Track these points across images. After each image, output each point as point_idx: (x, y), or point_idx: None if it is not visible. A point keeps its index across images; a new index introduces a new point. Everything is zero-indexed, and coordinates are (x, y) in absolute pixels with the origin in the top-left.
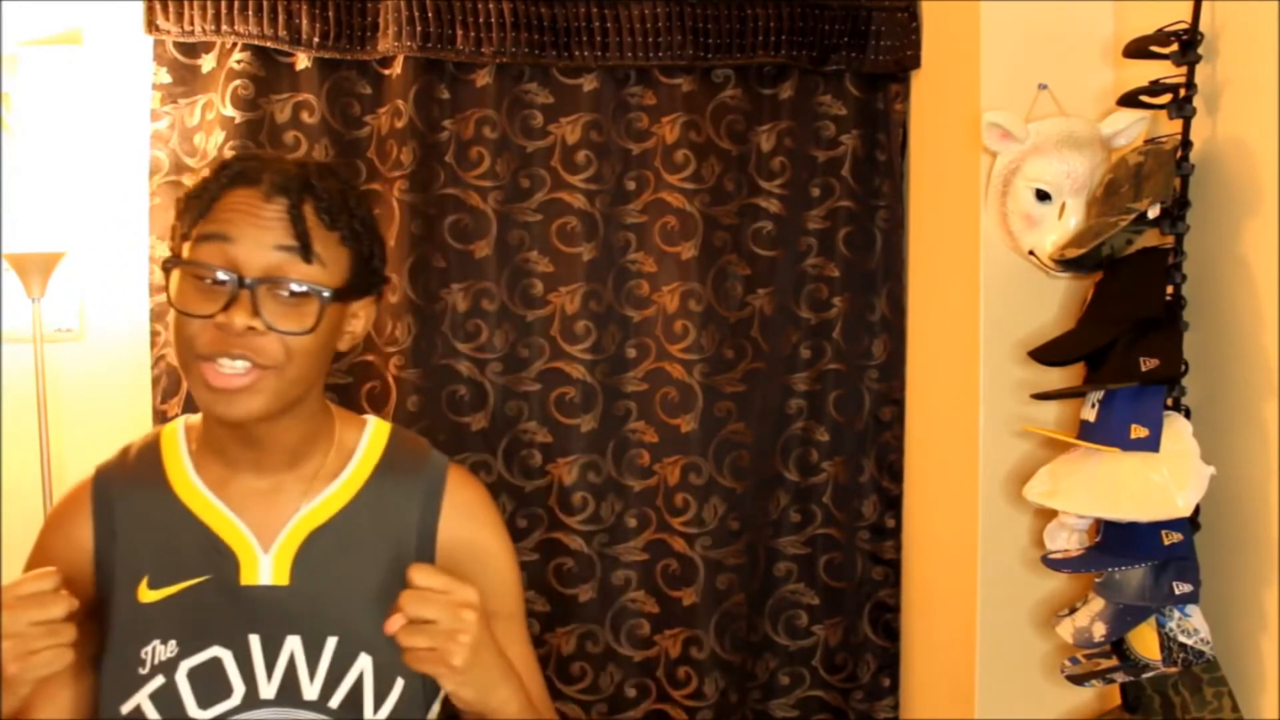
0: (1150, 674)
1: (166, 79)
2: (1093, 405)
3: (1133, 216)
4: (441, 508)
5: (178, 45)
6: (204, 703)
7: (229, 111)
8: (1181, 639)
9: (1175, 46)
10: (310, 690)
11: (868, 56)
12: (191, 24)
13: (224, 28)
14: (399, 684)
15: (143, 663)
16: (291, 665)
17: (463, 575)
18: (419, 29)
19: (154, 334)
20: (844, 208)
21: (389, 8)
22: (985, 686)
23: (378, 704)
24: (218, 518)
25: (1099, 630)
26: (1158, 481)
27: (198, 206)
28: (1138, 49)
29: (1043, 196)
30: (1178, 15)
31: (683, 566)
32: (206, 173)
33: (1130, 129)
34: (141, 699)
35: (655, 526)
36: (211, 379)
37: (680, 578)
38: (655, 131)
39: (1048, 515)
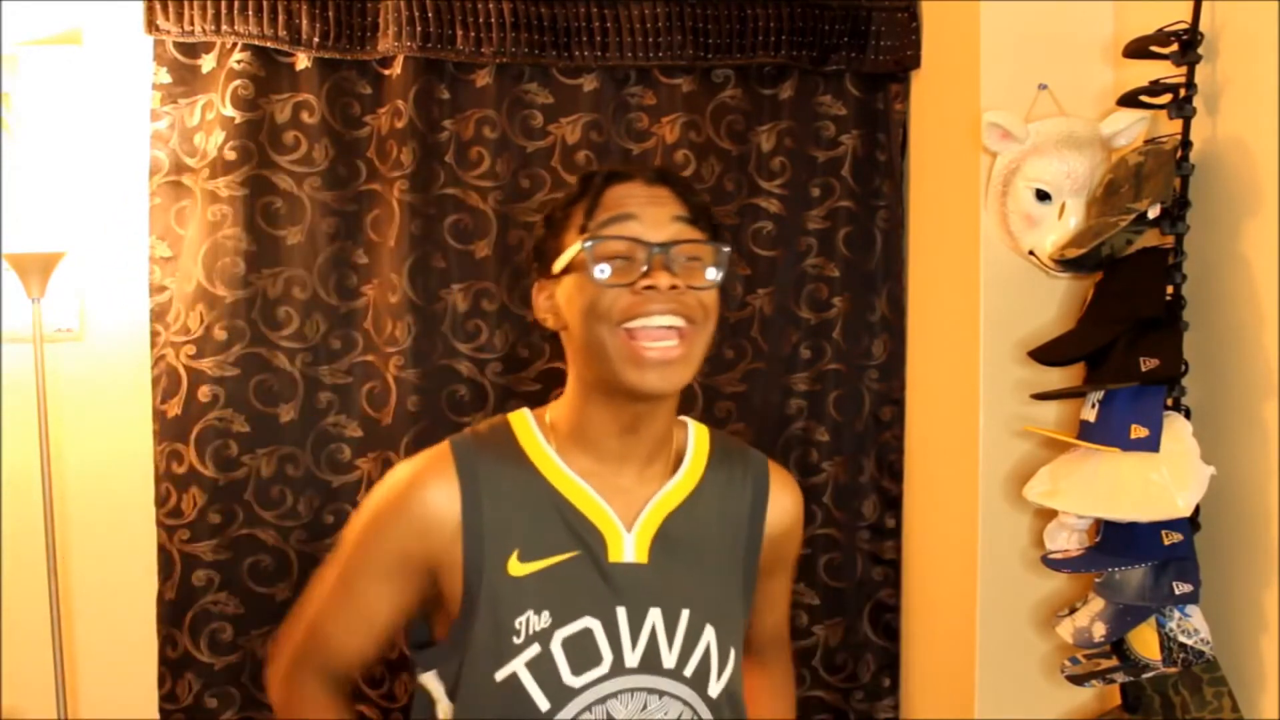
0: (1150, 674)
1: (166, 79)
2: (1093, 405)
3: (1133, 216)
4: (769, 501)
5: (178, 45)
6: (576, 670)
7: (229, 111)
8: (1181, 639)
9: (1175, 46)
10: (669, 659)
11: (868, 56)
12: (191, 24)
13: (224, 28)
14: (732, 655)
15: (517, 632)
16: (653, 636)
17: (779, 550)
18: (419, 29)
19: (154, 334)
20: (844, 208)
21: (389, 8)
22: (985, 686)
23: (719, 673)
24: (585, 499)
25: (1099, 630)
26: (1158, 481)
27: (583, 207)
28: (1138, 49)
29: (1043, 196)
30: (1178, 15)
31: None
32: (572, 187)
33: (1130, 129)
34: (517, 666)
35: None
36: (644, 351)
37: None
38: (655, 131)
39: (1048, 515)
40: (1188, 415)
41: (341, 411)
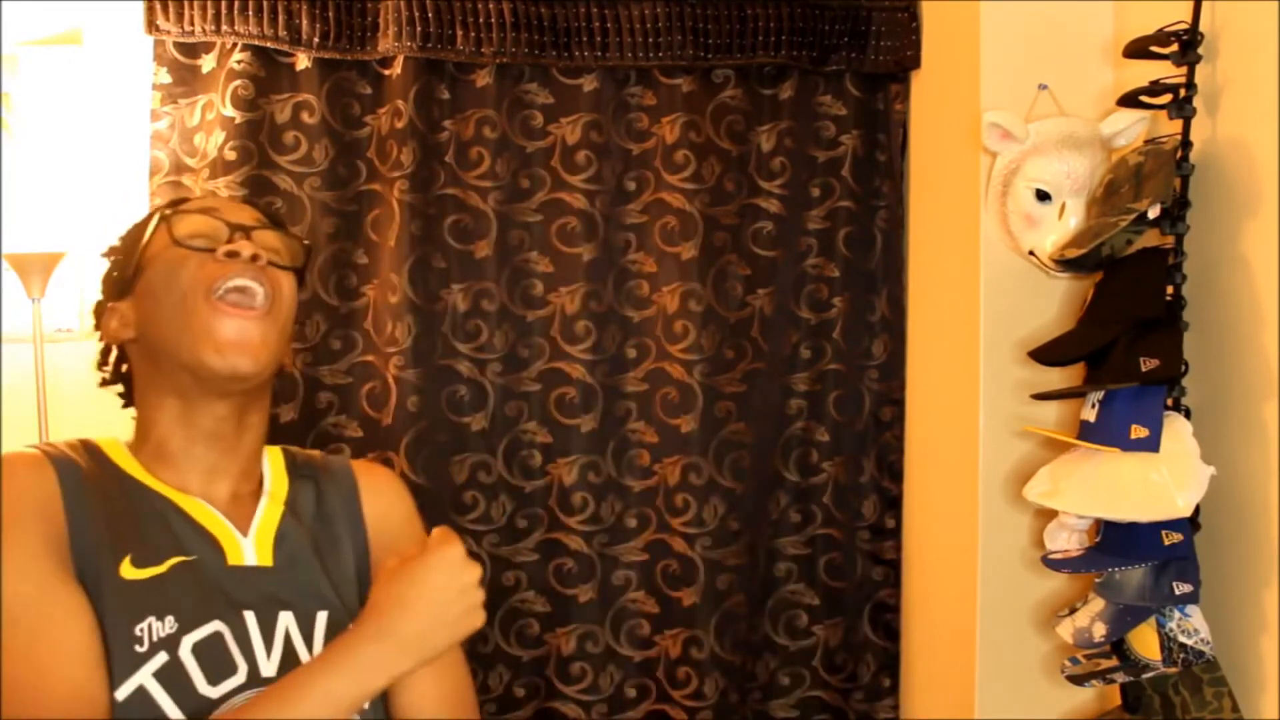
0: (1150, 674)
1: (166, 79)
2: (1093, 405)
3: (1133, 216)
4: (361, 496)
5: (178, 45)
6: (212, 679)
7: (229, 112)
8: (1181, 639)
9: (1175, 46)
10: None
11: (868, 56)
12: (191, 24)
13: (224, 28)
14: None
15: (139, 640)
16: (289, 642)
17: (392, 545)
18: (419, 29)
19: None
20: (844, 208)
21: (389, 8)
22: (985, 686)
23: None
24: (193, 505)
25: (1099, 630)
26: (1158, 481)
27: (158, 215)
28: (1138, 49)
29: (1043, 196)
30: (1178, 15)
31: (683, 567)
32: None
33: (1130, 129)
34: (144, 678)
35: (655, 527)
36: (223, 325)
37: (680, 578)
38: (655, 132)
39: (1048, 515)
40: (1188, 415)
41: (341, 411)
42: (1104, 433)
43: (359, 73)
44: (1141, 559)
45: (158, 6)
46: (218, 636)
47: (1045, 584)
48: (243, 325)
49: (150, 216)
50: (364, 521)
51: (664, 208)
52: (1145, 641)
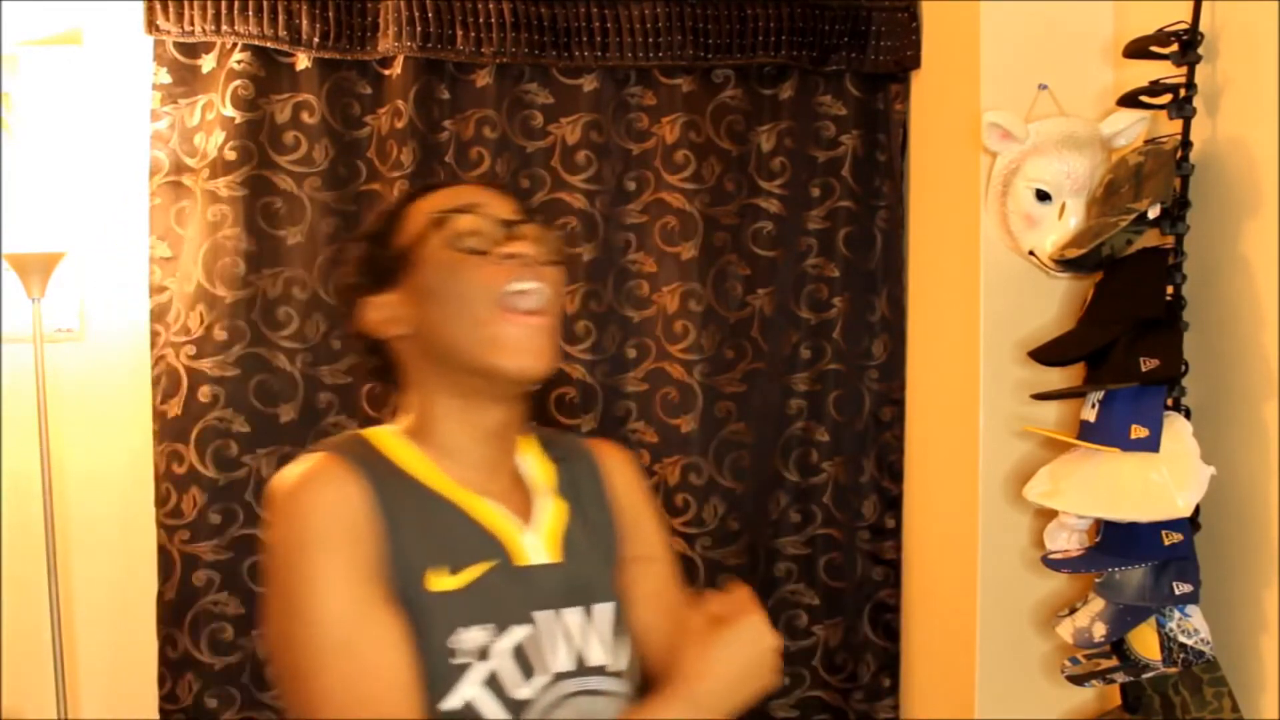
0: (1150, 674)
1: (166, 79)
2: (1093, 405)
3: (1133, 216)
4: (601, 472)
5: (178, 45)
6: (526, 680)
7: (229, 112)
8: (1181, 639)
9: (1175, 46)
10: (599, 656)
11: (868, 56)
12: (191, 24)
13: (224, 28)
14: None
15: (452, 653)
16: (580, 636)
17: (634, 522)
18: (419, 29)
19: (154, 334)
20: (844, 208)
21: (389, 8)
22: (985, 686)
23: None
24: (480, 505)
25: (1099, 630)
26: (1158, 481)
27: (417, 208)
28: (1138, 49)
29: (1043, 196)
30: (1178, 15)
31: (683, 566)
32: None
33: (1130, 129)
34: (471, 690)
35: None
36: (513, 331)
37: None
38: (655, 132)
39: (1048, 515)
40: (1188, 415)
41: (341, 412)
42: (1104, 433)
43: (359, 73)
44: (1141, 559)
45: (158, 6)
46: (529, 639)
47: (1045, 584)
48: (530, 329)
49: (409, 205)
50: (609, 502)
51: (664, 208)
52: (1145, 641)
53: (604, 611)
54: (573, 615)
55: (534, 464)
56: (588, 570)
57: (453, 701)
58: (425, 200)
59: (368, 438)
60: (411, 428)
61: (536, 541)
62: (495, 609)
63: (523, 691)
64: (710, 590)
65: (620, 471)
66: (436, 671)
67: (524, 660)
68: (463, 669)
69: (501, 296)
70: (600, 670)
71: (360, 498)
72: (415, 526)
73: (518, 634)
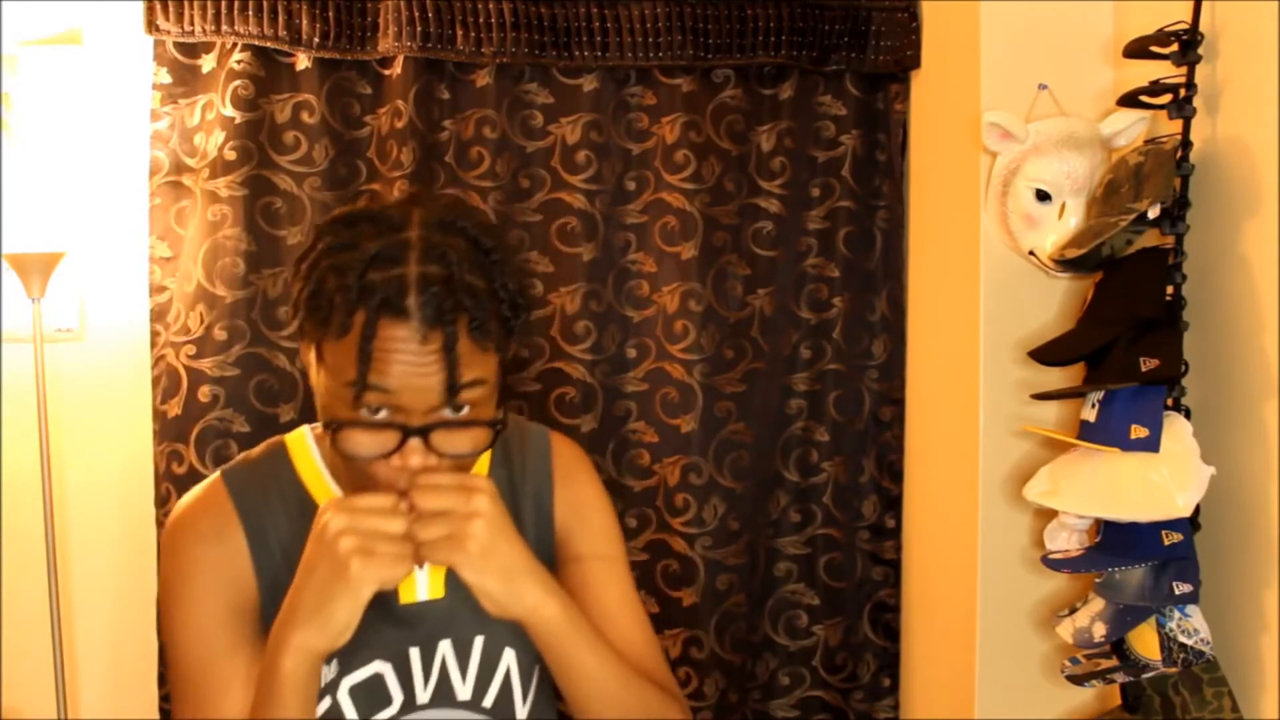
0: (1150, 674)
1: (166, 79)
2: (1093, 405)
3: (1133, 216)
4: (554, 479)
5: (178, 45)
6: (365, 715)
7: (229, 111)
8: (1181, 639)
9: (1175, 46)
10: (463, 690)
11: (868, 56)
12: (191, 24)
13: (224, 28)
14: (536, 675)
15: None
16: (444, 668)
17: (571, 530)
18: (419, 29)
19: (154, 334)
20: (844, 208)
21: (389, 8)
22: (985, 686)
23: (524, 697)
24: None
25: (1099, 630)
26: (1158, 481)
27: (339, 325)
28: (1138, 49)
29: (1043, 196)
30: (1178, 15)
31: (683, 566)
32: (346, 274)
33: (1130, 129)
34: None
35: (655, 527)
36: (395, 481)
37: (680, 578)
38: (655, 131)
39: (1048, 515)
40: (1188, 415)
41: None
42: (1104, 433)
43: (359, 73)
44: (1141, 559)
45: (158, 6)
46: (378, 677)
47: (1045, 584)
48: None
49: (338, 282)
50: (553, 508)
51: (664, 208)
52: (1145, 641)
53: (478, 644)
54: (444, 648)
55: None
56: (472, 603)
57: None
58: (355, 319)
59: (286, 444)
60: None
61: (424, 577)
62: (347, 647)
63: None
64: (711, 590)
65: (571, 469)
66: None
67: (368, 696)
68: None
69: (378, 473)
70: (464, 704)
71: (231, 543)
72: (288, 558)
73: (368, 671)
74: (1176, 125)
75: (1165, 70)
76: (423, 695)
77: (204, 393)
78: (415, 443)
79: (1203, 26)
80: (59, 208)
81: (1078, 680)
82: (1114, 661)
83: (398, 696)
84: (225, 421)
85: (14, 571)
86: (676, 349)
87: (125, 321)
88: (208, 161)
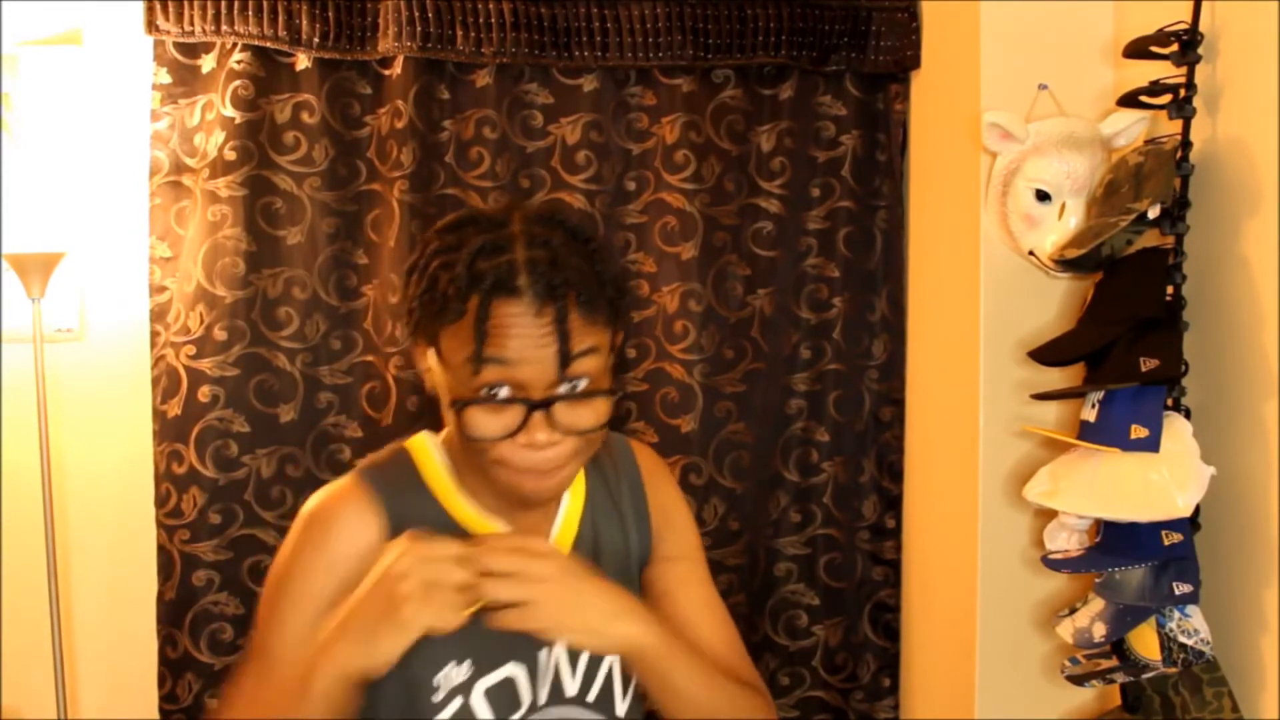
0: (1150, 674)
1: (166, 79)
2: (1093, 405)
3: (1133, 216)
4: (644, 485)
5: (178, 45)
6: (499, 716)
7: (229, 112)
8: (1181, 639)
9: (1175, 47)
10: (571, 686)
11: (868, 56)
12: (191, 24)
13: (224, 28)
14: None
15: (435, 690)
16: (557, 667)
17: (661, 534)
18: (419, 29)
19: (154, 334)
20: (844, 208)
21: (389, 8)
22: (985, 686)
23: (624, 693)
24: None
25: (1099, 630)
26: (1157, 481)
27: (455, 311)
28: (1138, 49)
29: (1043, 196)
30: (1178, 15)
31: None
32: (455, 267)
33: (1130, 129)
34: None
35: None
36: (521, 484)
37: None
38: (655, 132)
39: (1048, 515)
40: (1188, 415)
41: (341, 412)
42: (1104, 433)
43: (359, 73)
44: (1141, 559)
45: (158, 6)
46: (510, 680)
47: (1045, 584)
48: (548, 469)
49: (453, 277)
50: (648, 508)
51: (664, 208)
52: (1145, 641)
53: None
54: (560, 648)
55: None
56: None
57: None
58: (484, 314)
59: (409, 450)
60: (449, 441)
61: None
62: (480, 648)
63: None
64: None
65: (655, 474)
66: (414, 703)
67: (504, 697)
68: (438, 707)
69: (507, 470)
70: (571, 700)
71: (365, 537)
72: None
73: (502, 674)
74: (1176, 125)
75: (1165, 70)
76: (541, 694)
77: (204, 393)
78: (539, 418)
79: (1203, 26)
80: (59, 208)
81: (1078, 680)
82: (1114, 661)
83: (527, 699)
84: (225, 421)
85: (14, 572)
86: (677, 349)
87: (125, 321)
88: (208, 161)
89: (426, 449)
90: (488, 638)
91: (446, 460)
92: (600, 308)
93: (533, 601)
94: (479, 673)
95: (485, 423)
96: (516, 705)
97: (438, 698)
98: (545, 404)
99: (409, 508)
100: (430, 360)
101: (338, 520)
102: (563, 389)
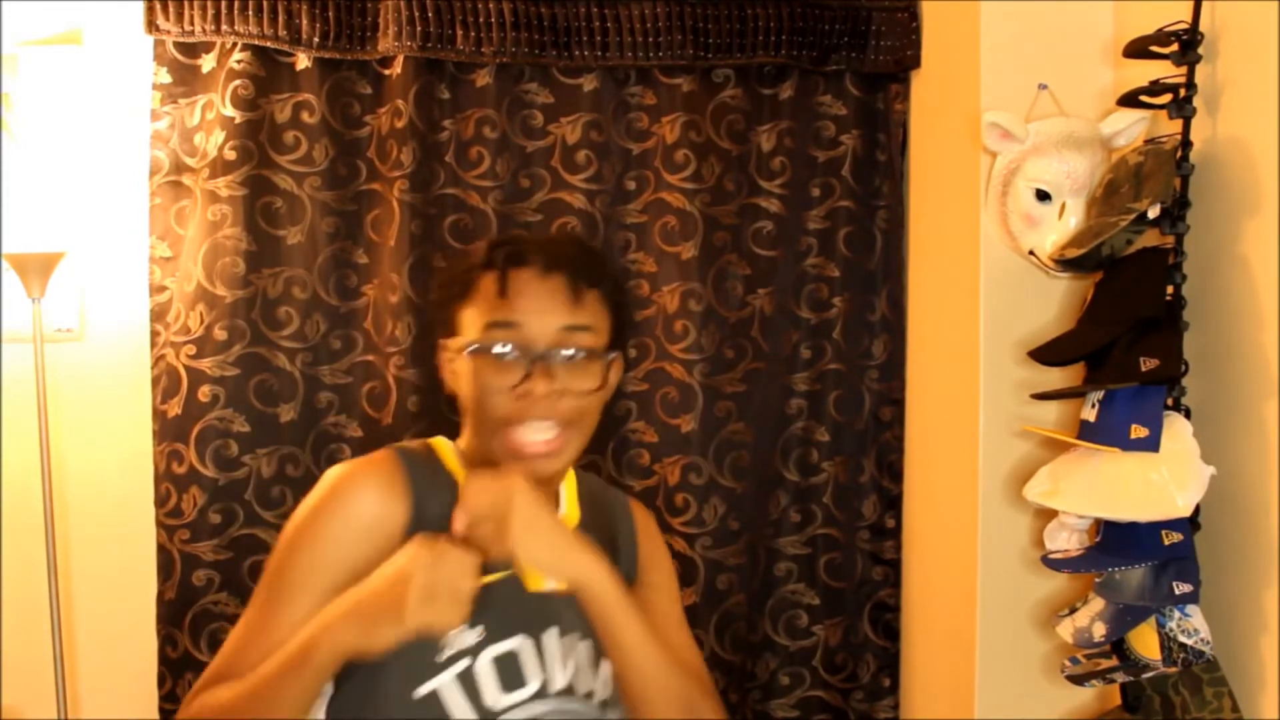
0: (1150, 674)
1: (167, 79)
2: (1093, 405)
3: (1133, 216)
4: (638, 538)
5: (178, 45)
6: (505, 689)
7: (229, 111)
8: (1181, 639)
9: (1175, 46)
10: (587, 683)
11: (868, 56)
12: (191, 24)
13: (224, 28)
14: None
15: (440, 650)
16: (572, 660)
17: (645, 575)
18: (419, 29)
19: (154, 334)
20: (844, 208)
21: (389, 8)
22: (985, 686)
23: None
24: None
25: (1099, 630)
26: (1158, 481)
27: (477, 290)
28: (1138, 49)
29: (1043, 196)
30: (1178, 15)
31: (683, 566)
32: (474, 255)
33: (1130, 129)
34: (442, 682)
35: None
36: (523, 446)
37: (680, 577)
38: (655, 131)
39: (1048, 515)
40: (1188, 415)
41: (341, 411)
42: (1104, 433)
43: (359, 72)
44: (1141, 559)
45: (158, 6)
46: (518, 653)
47: (1045, 584)
48: (545, 451)
49: (473, 283)
50: (637, 547)
51: (664, 207)
52: (1145, 641)
53: (584, 648)
54: (570, 641)
55: (566, 501)
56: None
57: (423, 691)
58: (485, 279)
59: (435, 447)
60: (467, 449)
61: None
62: (493, 617)
63: (496, 699)
64: (711, 590)
65: (648, 527)
66: (420, 661)
67: (507, 672)
68: (444, 664)
69: (511, 431)
70: (584, 696)
71: (390, 509)
72: (445, 529)
73: (507, 645)
74: (1176, 125)
75: (1165, 70)
76: (560, 682)
77: (204, 392)
78: (539, 370)
79: (1203, 26)
80: (59, 208)
81: (1078, 680)
82: (1114, 661)
83: (534, 678)
84: (225, 421)
85: (14, 571)
86: (677, 349)
87: (125, 321)
88: (208, 161)
89: (448, 447)
90: (498, 608)
91: (460, 462)
92: (602, 291)
93: (504, 523)
94: (489, 639)
95: (492, 374)
96: (522, 681)
97: (441, 657)
98: (545, 356)
99: (432, 494)
100: (453, 349)
101: (367, 490)
102: (563, 353)
